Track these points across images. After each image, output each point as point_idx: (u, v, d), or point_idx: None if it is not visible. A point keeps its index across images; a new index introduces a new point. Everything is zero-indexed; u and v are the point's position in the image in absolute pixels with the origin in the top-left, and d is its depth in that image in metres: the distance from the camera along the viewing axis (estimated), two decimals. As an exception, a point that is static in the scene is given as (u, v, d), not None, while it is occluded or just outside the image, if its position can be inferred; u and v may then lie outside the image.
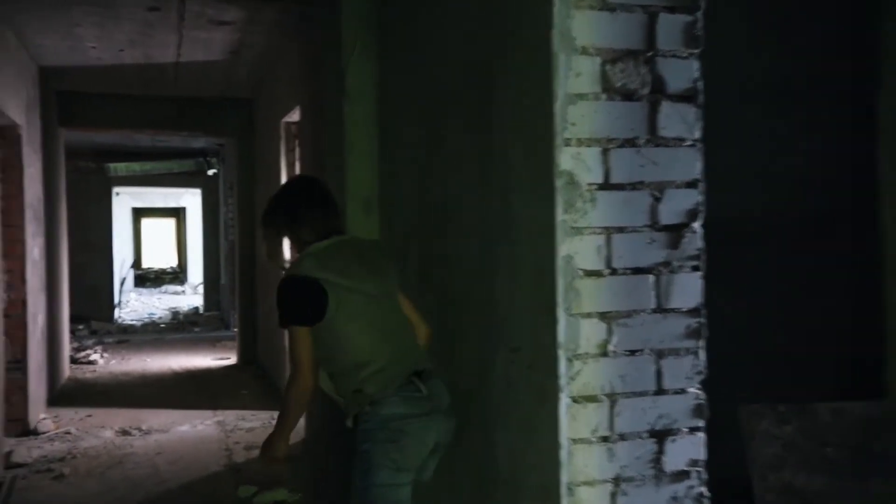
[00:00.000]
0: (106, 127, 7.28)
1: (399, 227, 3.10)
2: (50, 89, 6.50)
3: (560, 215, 1.77)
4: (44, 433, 5.15)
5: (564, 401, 1.76)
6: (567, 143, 1.77)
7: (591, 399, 1.77)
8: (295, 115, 5.46)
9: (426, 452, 2.12)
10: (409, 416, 2.06)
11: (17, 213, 5.08)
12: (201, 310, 12.66)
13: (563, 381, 1.77)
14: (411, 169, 2.95)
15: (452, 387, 2.53)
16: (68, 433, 5.22)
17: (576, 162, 1.77)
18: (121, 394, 6.62)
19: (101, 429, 5.32)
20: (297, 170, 5.76)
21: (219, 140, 8.66)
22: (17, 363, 5.10)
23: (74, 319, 10.87)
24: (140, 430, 5.29)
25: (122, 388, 6.87)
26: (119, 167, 11.42)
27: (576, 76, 1.76)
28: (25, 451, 4.68)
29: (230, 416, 5.66)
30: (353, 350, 2.09)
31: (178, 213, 24.16)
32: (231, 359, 8.26)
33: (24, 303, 5.16)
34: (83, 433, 5.22)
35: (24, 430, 5.09)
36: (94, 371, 7.66)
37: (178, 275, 22.55)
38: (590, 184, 1.78)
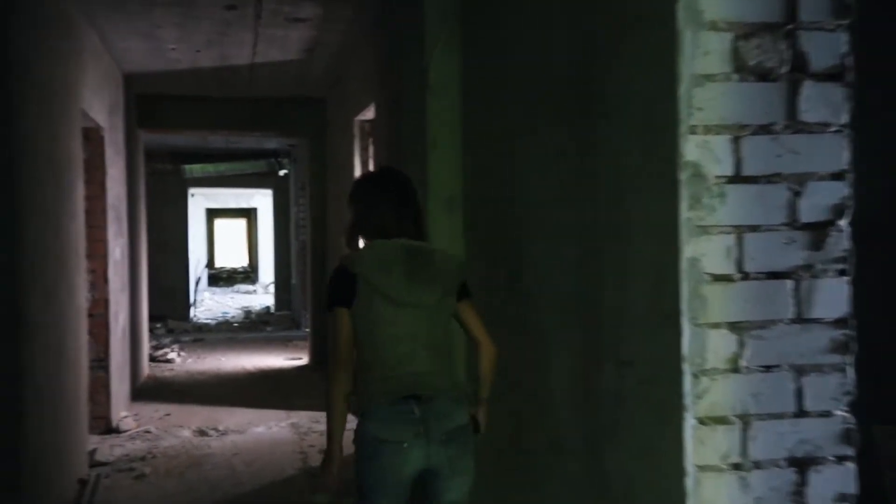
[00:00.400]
0: (182, 128, 7.39)
1: (484, 227, 2.94)
2: (130, 92, 6.62)
3: (684, 212, 1.57)
4: (125, 431, 5.22)
5: (690, 422, 1.56)
6: (693, 130, 1.57)
7: (721, 421, 1.56)
8: (369, 113, 5.37)
9: (407, 477, 2.04)
10: (384, 441, 2.01)
11: (99, 214, 5.16)
12: (272, 309, 12.83)
13: (687, 399, 1.56)
14: (498, 165, 2.79)
15: (544, 398, 2.35)
16: (148, 432, 5.27)
17: (702, 152, 1.57)
18: (197, 392, 6.69)
19: (180, 428, 5.36)
20: (371, 168, 5.68)
21: (291, 140, 8.69)
22: (101, 362, 5.18)
23: (152, 318, 11.16)
24: (217, 430, 5.31)
25: (199, 387, 6.95)
26: (194, 168, 11.66)
27: (703, 55, 1.55)
28: (108, 449, 4.74)
29: (304, 418, 5.62)
30: (367, 350, 2.07)
31: (249, 214, 24.73)
32: (303, 359, 8.28)
33: (106, 302, 5.23)
34: (162, 432, 5.27)
35: (106, 427, 5.17)
36: (172, 369, 7.79)
37: (249, 274, 23.06)
38: (718, 176, 1.57)
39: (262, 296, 16.62)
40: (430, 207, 3.09)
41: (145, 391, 6.69)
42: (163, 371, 7.70)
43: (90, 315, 4.99)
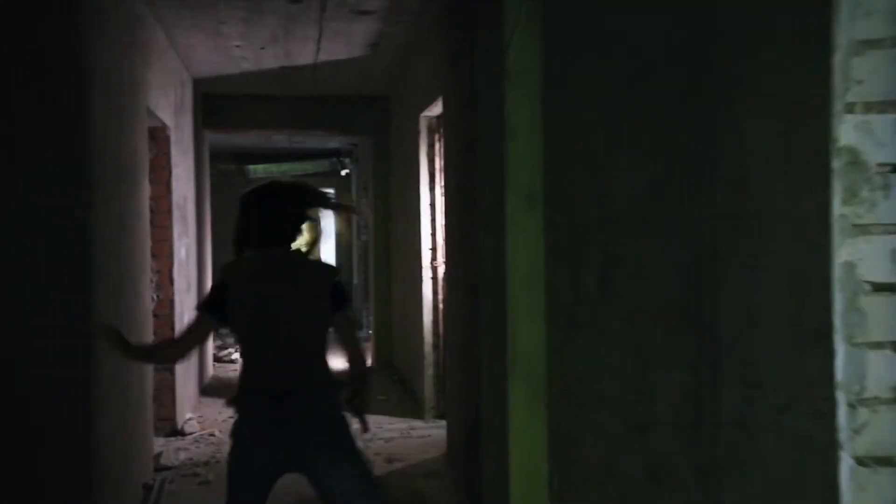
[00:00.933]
0: (247, 128, 7.37)
1: (569, 225, 2.69)
2: (196, 91, 6.61)
3: (837, 208, 1.30)
4: (190, 434, 5.17)
5: (846, 462, 1.29)
6: (849, 108, 1.29)
7: (885, 462, 1.29)
8: (436, 109, 5.18)
9: (260, 468, 2.31)
10: (240, 436, 2.32)
11: (164, 214, 5.12)
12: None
13: (842, 434, 1.29)
14: (585, 157, 2.54)
15: (642, 419, 2.10)
16: (213, 434, 5.20)
17: (862, 134, 1.29)
18: (260, 394, 6.62)
19: (243, 431, 5.28)
20: (439, 165, 5.49)
21: (354, 139, 8.57)
22: (165, 362, 5.13)
23: (217, 317, 11.26)
24: (280, 434, 5.20)
25: (262, 388, 6.90)
26: (258, 169, 11.72)
27: (865, 16, 1.28)
28: (173, 452, 4.68)
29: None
30: (240, 352, 2.43)
31: (310, 214, 24.98)
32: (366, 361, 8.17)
33: (171, 302, 5.19)
34: (227, 435, 5.18)
35: (171, 430, 5.12)
36: (236, 370, 7.77)
37: (310, 273, 23.28)
38: (882, 164, 1.29)
39: (323, 295, 16.67)
40: (509, 205, 2.86)
41: (210, 392, 6.66)
42: (227, 371, 7.68)
43: (155, 316, 4.94)
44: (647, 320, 2.09)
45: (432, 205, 5.54)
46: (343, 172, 12.04)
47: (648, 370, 2.08)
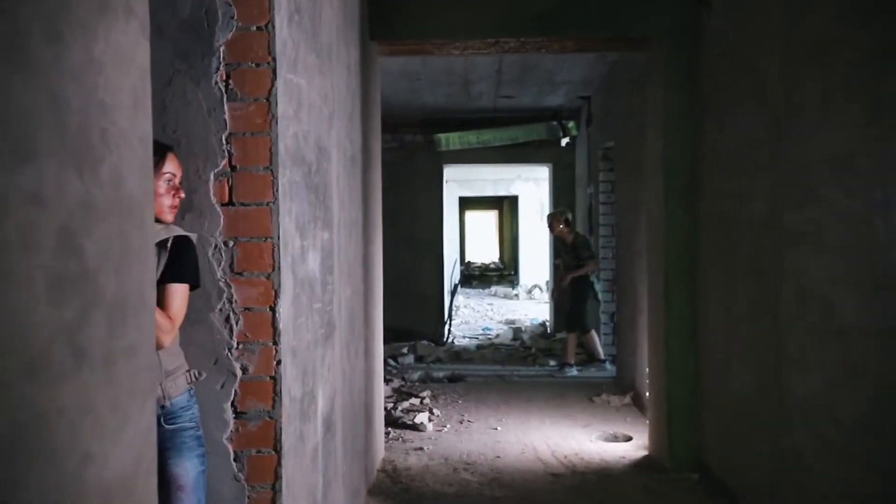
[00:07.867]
0: (437, 37, 4.32)
1: None
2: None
3: None
4: None
5: None
6: None
7: None
8: None
9: None
10: None
11: (260, 174, 2.16)
12: (549, 328, 9.59)
13: None
14: None
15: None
16: None
17: None
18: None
19: None
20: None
21: (630, 47, 5.11)
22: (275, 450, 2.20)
23: (396, 336, 8.53)
24: None
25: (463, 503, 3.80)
26: (451, 138, 8.80)
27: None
28: None
29: None
30: None
31: (500, 204, 22.06)
32: (634, 440, 4.85)
33: (275, 366, 2.24)
34: None
35: None
36: (420, 448, 4.76)
37: (503, 272, 20.33)
38: None
39: (524, 303, 13.60)
40: None
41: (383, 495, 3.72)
42: (406, 451, 4.70)
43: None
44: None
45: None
46: (563, 142, 8.79)
47: None
